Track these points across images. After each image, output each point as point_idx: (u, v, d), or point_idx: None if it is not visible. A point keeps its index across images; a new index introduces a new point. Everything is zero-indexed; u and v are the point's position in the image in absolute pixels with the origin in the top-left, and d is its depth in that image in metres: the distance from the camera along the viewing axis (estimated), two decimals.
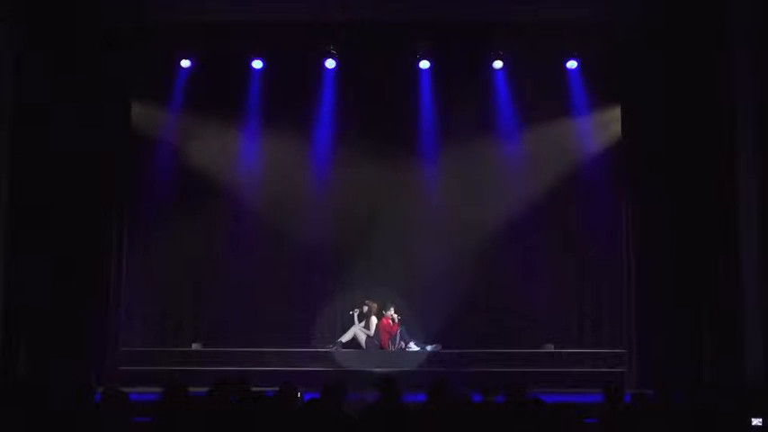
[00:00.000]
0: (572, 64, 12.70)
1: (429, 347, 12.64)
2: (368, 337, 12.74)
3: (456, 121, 13.20)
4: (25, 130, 10.70)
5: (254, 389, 6.64)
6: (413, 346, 12.70)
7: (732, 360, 10.51)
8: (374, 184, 13.18)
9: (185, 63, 12.68)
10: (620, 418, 5.99)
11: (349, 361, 12.15)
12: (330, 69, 12.85)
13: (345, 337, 12.79)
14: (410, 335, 12.82)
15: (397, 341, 12.77)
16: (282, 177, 13.20)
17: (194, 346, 12.75)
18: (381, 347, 12.73)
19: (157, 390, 6.33)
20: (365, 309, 12.90)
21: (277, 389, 6.41)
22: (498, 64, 12.70)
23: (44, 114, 11.01)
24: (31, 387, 8.56)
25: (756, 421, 6.42)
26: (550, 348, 12.72)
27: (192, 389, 6.27)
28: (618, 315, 12.56)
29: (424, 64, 12.77)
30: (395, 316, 12.87)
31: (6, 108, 10.49)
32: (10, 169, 10.51)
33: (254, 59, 12.65)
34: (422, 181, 13.46)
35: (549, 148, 13.14)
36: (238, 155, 13.43)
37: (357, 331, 12.79)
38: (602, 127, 13.10)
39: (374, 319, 12.84)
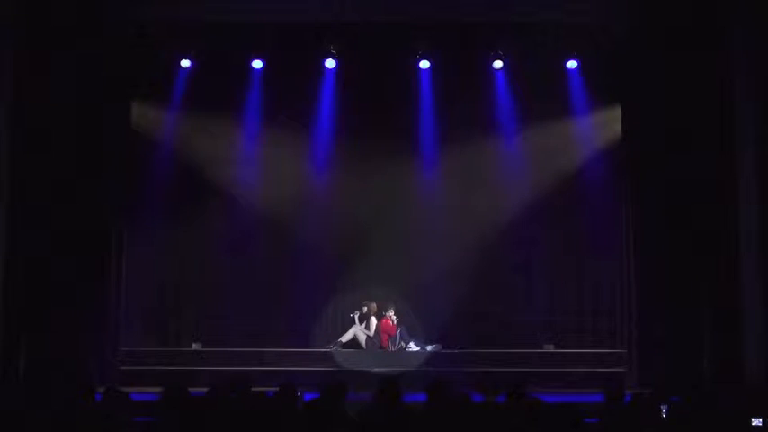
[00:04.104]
0: (572, 64, 12.69)
1: (429, 347, 12.64)
2: (368, 337, 12.73)
3: (456, 121, 13.19)
4: (25, 130, 10.70)
5: (254, 389, 6.64)
6: (413, 346, 12.70)
7: (732, 360, 10.51)
8: (374, 184, 13.19)
9: (185, 63, 12.66)
10: (620, 418, 5.98)
11: (349, 361, 12.15)
12: (330, 69, 12.84)
13: (345, 338, 12.78)
14: (410, 335, 12.81)
15: (397, 341, 12.77)
16: (282, 177, 13.20)
17: (194, 346, 12.74)
18: (381, 348, 12.73)
19: (157, 390, 6.33)
20: (365, 309, 12.89)
21: (277, 389, 6.41)
22: (498, 64, 12.69)
23: (44, 114, 11.01)
24: (31, 387, 8.56)
25: (756, 421, 6.41)
26: (550, 348, 12.72)
27: (191, 389, 6.26)
28: (618, 315, 12.57)
29: (424, 64, 12.76)
30: (394, 317, 12.86)
31: (6, 108, 10.48)
32: (10, 169, 10.51)
33: (254, 59, 12.64)
34: (422, 181, 13.46)
35: (548, 147, 13.14)
36: (238, 154, 13.41)
37: (357, 331, 12.78)
38: (602, 127, 13.10)
39: (374, 320, 12.84)
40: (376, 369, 11.51)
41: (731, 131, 10.68)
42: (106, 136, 11.96)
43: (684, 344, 11.35)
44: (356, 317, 12.87)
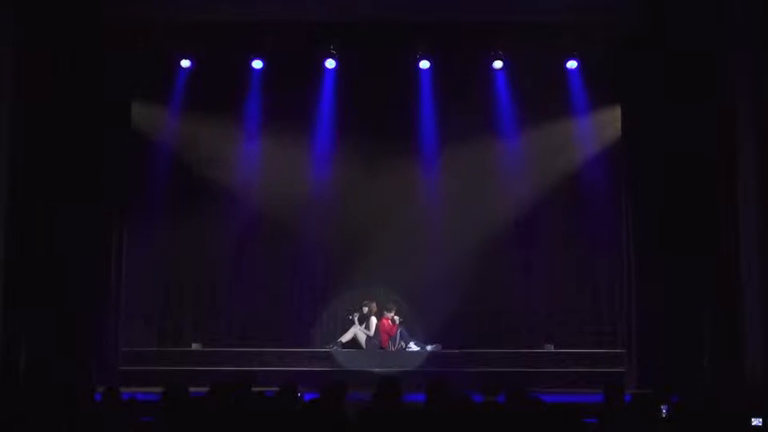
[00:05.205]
0: (572, 64, 12.69)
1: (429, 347, 12.64)
2: (368, 337, 12.73)
3: (456, 121, 13.20)
4: (25, 131, 10.70)
5: (254, 389, 6.64)
6: (413, 346, 12.70)
7: (732, 360, 10.51)
8: (374, 184, 13.19)
9: (185, 63, 12.67)
10: (620, 418, 5.98)
11: (349, 361, 12.16)
12: (330, 69, 12.84)
13: (345, 338, 12.78)
14: (410, 335, 12.82)
15: (397, 341, 12.77)
16: (282, 177, 13.19)
17: (194, 346, 12.75)
18: (381, 348, 12.73)
19: (157, 390, 6.33)
20: (365, 309, 12.89)
21: (277, 389, 6.41)
22: (498, 64, 12.69)
23: (44, 114, 11.01)
24: (31, 387, 8.56)
25: (756, 421, 6.41)
26: (550, 348, 12.73)
27: (192, 389, 6.26)
28: (618, 315, 12.58)
29: (424, 64, 12.76)
30: (396, 318, 12.85)
31: (6, 108, 10.49)
32: (10, 169, 10.51)
33: (254, 59, 12.64)
34: (421, 181, 13.47)
35: (548, 148, 13.15)
36: (238, 155, 13.41)
37: (357, 331, 12.78)
38: (602, 127, 13.11)
39: (374, 320, 12.83)
40: (376, 369, 11.51)
41: (731, 132, 10.68)
42: (106, 136, 11.96)
43: (684, 344, 11.35)
44: (355, 318, 12.86)
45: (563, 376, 11.80)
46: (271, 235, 13.37)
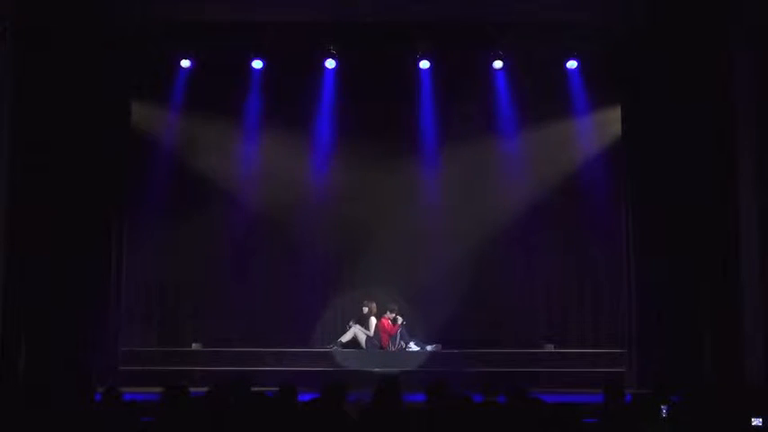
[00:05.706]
0: (572, 64, 12.69)
1: (429, 347, 12.64)
2: (368, 337, 12.73)
3: (456, 121, 13.21)
4: (25, 130, 10.70)
5: (254, 389, 6.64)
6: (413, 346, 12.70)
7: (732, 360, 10.51)
8: (374, 184, 13.19)
9: (185, 63, 12.67)
10: (620, 418, 5.99)
11: (349, 361, 12.16)
12: (330, 69, 12.84)
13: (345, 338, 12.78)
14: (410, 335, 12.82)
15: (397, 341, 12.77)
16: (282, 177, 13.19)
17: (194, 346, 12.75)
18: (381, 348, 12.73)
19: (157, 390, 6.33)
20: (365, 309, 12.89)
21: (277, 389, 6.41)
22: (498, 64, 12.68)
23: (44, 114, 11.01)
24: (31, 387, 8.55)
25: (756, 421, 6.41)
26: (550, 348, 12.73)
27: (192, 389, 6.26)
28: (618, 315, 12.57)
29: (424, 64, 12.76)
30: (398, 318, 12.85)
31: (6, 108, 10.49)
32: (10, 169, 10.51)
33: (254, 59, 12.64)
34: (422, 181, 13.47)
35: (549, 148, 13.15)
36: (238, 155, 13.41)
37: (357, 331, 12.78)
38: (602, 127, 13.11)
39: (373, 320, 12.83)
40: (376, 369, 11.51)
41: (731, 131, 10.68)
42: (106, 136, 11.96)
43: (684, 344, 11.35)
44: (353, 323, 12.85)
45: (563, 376, 11.79)
46: (271, 235, 13.37)
